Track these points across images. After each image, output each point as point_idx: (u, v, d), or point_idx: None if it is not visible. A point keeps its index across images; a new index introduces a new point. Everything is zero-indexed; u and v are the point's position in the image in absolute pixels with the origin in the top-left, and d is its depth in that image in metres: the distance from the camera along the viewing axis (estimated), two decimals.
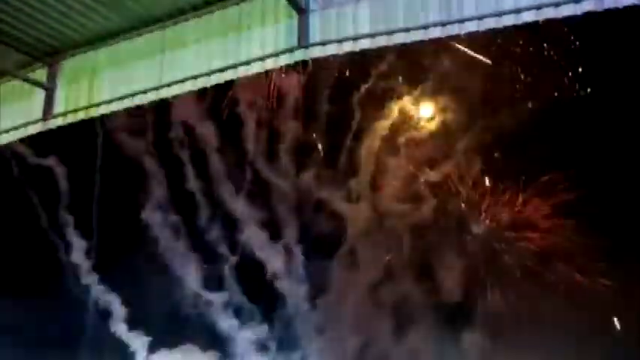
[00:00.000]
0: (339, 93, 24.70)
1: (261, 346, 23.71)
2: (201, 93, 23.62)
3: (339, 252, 24.29)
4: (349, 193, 24.81)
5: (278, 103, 24.90)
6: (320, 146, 25.35)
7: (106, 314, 23.02)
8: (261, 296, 23.98)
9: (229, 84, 23.54)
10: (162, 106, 23.35)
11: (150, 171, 24.31)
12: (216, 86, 24.98)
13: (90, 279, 23.33)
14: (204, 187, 24.46)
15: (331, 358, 23.68)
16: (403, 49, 23.05)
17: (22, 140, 22.02)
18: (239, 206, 24.42)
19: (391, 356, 23.11)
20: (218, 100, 24.52)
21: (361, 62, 23.61)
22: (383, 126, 24.77)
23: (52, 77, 11.84)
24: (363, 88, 24.49)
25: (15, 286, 20.71)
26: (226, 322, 23.54)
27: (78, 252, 23.48)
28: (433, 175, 24.46)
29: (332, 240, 24.33)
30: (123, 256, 22.39)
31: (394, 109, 24.75)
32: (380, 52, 23.54)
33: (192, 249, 23.90)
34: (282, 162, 25.01)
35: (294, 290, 24.18)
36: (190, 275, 23.73)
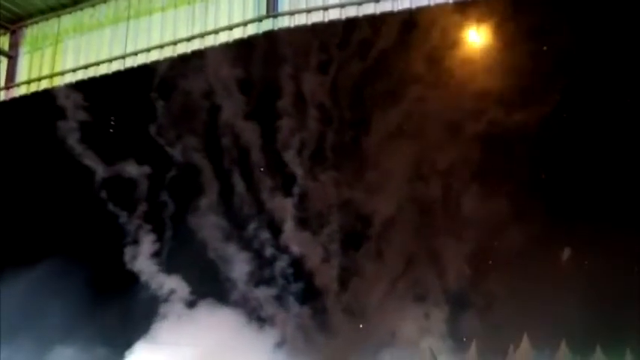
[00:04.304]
0: (360, 91, 25.07)
1: (304, 331, 24.94)
2: (248, 97, 24.51)
3: (367, 243, 25.52)
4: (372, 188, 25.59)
5: (307, 105, 25.32)
6: (347, 144, 25.89)
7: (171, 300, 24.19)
8: (303, 288, 25.34)
9: (273, 92, 24.43)
10: (214, 108, 24.41)
11: (202, 172, 25.15)
12: (261, 96, 24.81)
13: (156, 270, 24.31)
14: (252, 189, 25.49)
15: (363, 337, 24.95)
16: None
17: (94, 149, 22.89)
18: (283, 207, 25.56)
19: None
20: (261, 102, 25.00)
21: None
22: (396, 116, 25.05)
23: (14, 45, 11.52)
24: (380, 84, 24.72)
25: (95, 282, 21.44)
26: (272, 311, 24.94)
27: (148, 252, 24.38)
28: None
29: (361, 233, 25.57)
30: (189, 255, 23.71)
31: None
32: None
33: (240, 248, 25.17)
34: (317, 163, 25.74)
35: (331, 281, 25.48)
36: (240, 271, 25.01)
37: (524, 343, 20.92)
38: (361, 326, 25.00)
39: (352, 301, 25.18)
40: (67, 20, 11.22)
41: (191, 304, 23.77)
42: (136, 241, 24.07)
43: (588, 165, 21.72)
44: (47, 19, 11.38)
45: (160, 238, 24.34)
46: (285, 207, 25.51)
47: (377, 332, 24.43)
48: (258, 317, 24.27)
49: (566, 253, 22.61)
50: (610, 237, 19.48)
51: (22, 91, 11.41)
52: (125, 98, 22.21)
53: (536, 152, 22.81)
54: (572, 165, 22.25)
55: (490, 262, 23.77)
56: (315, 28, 9.82)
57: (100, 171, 23.62)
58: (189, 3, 10.27)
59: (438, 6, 8.69)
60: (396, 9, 9.06)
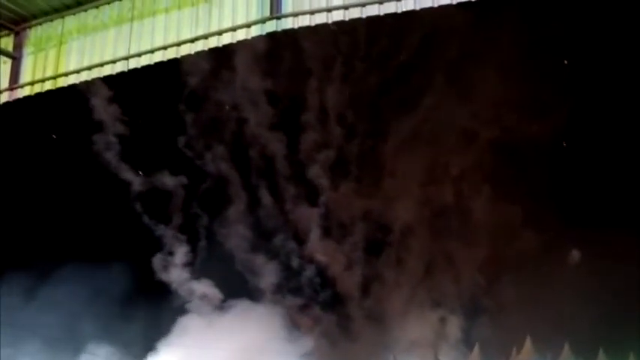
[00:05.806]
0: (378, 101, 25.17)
1: (329, 337, 25.46)
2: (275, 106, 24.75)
3: (387, 251, 26.09)
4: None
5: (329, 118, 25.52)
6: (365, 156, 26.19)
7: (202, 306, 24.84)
8: (328, 296, 26.05)
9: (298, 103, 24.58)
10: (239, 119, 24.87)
11: (230, 183, 25.66)
12: (287, 110, 23.80)
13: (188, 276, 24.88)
14: (279, 200, 26.04)
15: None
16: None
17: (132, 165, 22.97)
18: (309, 218, 26.20)
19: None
20: (286, 114, 25.32)
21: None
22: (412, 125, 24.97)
23: (18, 46, 11.53)
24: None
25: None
26: (299, 318, 25.60)
27: (180, 262, 24.97)
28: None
29: (382, 241, 26.18)
30: (220, 264, 24.38)
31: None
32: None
33: (268, 259, 25.82)
34: (343, 176, 26.15)
35: (354, 289, 26.07)
36: (267, 281, 25.66)
37: (527, 346, 20.88)
38: (381, 332, 25.19)
39: (374, 307, 25.44)
40: (71, 21, 11.22)
41: (221, 310, 24.30)
42: (170, 253, 24.61)
43: (601, 172, 21.69)
44: (51, 21, 11.38)
45: (193, 249, 24.89)
46: (311, 217, 25.87)
47: (396, 337, 24.54)
48: (285, 324, 24.58)
49: (573, 257, 22.58)
50: (616, 242, 19.49)
51: (25, 92, 11.41)
52: (149, 105, 22.43)
53: (551, 160, 22.85)
54: (584, 172, 22.20)
55: (502, 267, 23.82)
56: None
57: (136, 182, 24.02)
58: (192, 4, 10.25)
59: (442, 9, 8.65)
60: (400, 10, 9.01)
